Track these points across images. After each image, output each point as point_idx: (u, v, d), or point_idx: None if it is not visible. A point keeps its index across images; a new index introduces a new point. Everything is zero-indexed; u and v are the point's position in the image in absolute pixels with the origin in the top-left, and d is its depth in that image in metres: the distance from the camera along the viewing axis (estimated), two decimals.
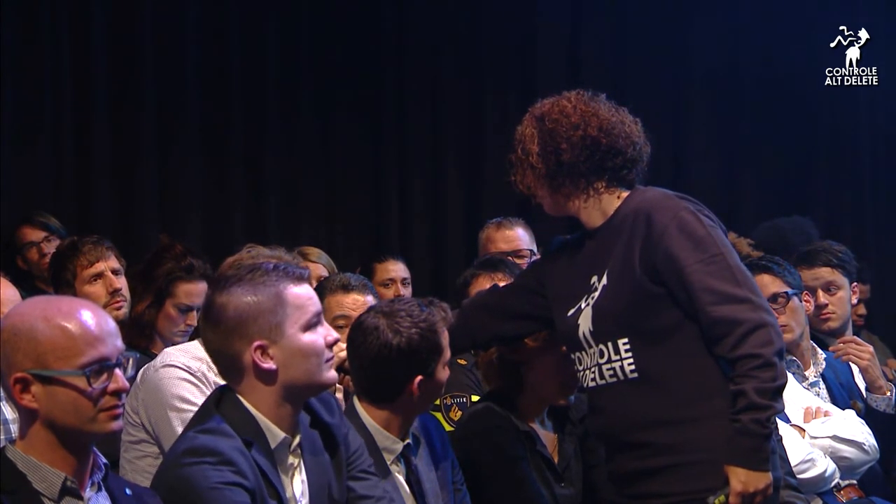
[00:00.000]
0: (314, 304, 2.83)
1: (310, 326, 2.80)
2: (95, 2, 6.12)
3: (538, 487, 3.49)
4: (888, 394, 4.37)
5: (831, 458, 4.00)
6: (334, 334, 2.87)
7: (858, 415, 4.30)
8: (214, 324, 2.78)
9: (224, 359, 2.80)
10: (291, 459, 2.84)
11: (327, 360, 2.83)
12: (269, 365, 2.76)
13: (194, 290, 4.30)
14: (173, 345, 4.10)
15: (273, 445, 2.78)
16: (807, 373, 4.43)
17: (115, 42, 6.18)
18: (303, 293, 2.81)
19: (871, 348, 4.42)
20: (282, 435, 2.79)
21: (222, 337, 2.77)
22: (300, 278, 2.82)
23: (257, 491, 2.68)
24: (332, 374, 2.86)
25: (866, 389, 4.39)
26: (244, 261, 3.47)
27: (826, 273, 4.74)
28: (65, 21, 6.01)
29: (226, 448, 2.67)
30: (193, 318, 4.27)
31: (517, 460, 3.49)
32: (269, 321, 2.75)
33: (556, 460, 3.61)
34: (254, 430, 2.75)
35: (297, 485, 2.84)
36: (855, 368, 4.62)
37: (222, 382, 2.88)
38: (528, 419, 3.59)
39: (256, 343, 2.75)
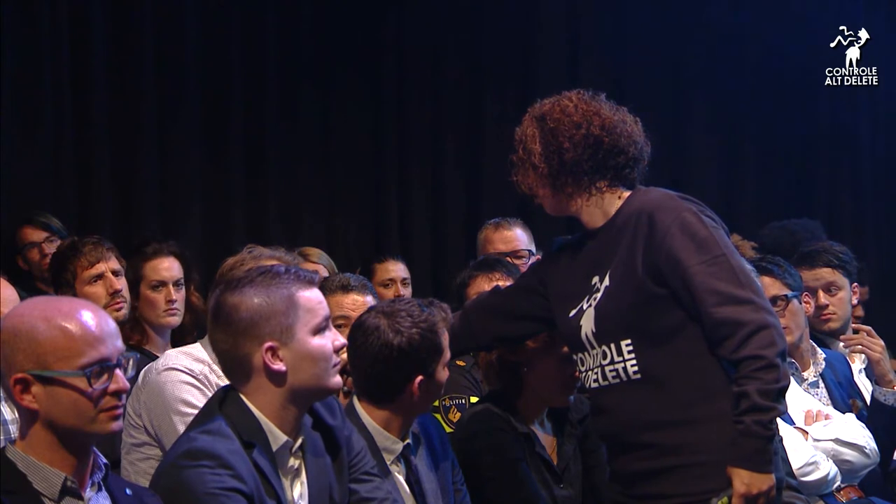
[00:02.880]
0: (324, 308, 2.84)
1: (319, 330, 2.80)
2: (95, 2, 6.12)
3: (537, 488, 3.48)
4: None
5: (833, 461, 4.00)
6: (342, 339, 2.88)
7: (858, 413, 4.29)
8: (225, 324, 2.78)
9: (233, 359, 2.79)
10: (293, 462, 2.83)
11: (334, 365, 2.83)
12: (279, 366, 2.76)
13: (161, 265, 4.48)
14: (164, 330, 4.40)
15: (275, 448, 2.78)
16: (805, 373, 4.42)
17: (115, 42, 6.17)
18: (313, 297, 2.82)
19: (882, 342, 4.39)
20: (284, 438, 2.79)
21: (233, 337, 2.77)
22: (311, 282, 2.83)
23: (255, 494, 2.67)
24: (338, 379, 2.86)
25: (874, 383, 4.37)
26: (246, 261, 3.50)
27: (827, 274, 4.74)
28: (65, 21, 6.00)
29: (224, 451, 2.66)
30: (171, 293, 4.38)
31: (517, 461, 3.48)
32: (281, 323, 2.75)
33: (555, 462, 3.60)
34: (256, 432, 2.75)
35: (298, 487, 2.83)
36: (854, 368, 4.62)
37: (224, 385, 2.87)
38: (527, 420, 3.58)
39: (267, 344, 2.75)
